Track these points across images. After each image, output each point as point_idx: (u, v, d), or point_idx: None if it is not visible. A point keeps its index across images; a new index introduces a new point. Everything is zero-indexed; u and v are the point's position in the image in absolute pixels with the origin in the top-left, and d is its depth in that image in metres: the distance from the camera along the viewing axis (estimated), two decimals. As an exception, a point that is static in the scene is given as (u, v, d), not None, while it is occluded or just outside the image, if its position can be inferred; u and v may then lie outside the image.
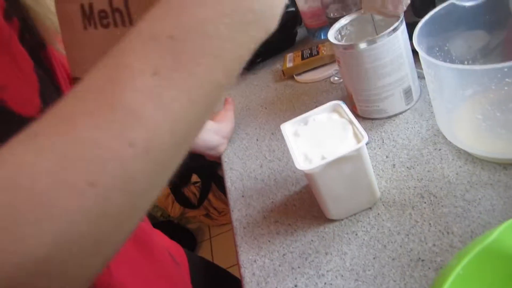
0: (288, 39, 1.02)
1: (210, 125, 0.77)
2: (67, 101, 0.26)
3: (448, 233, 0.48)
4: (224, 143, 0.79)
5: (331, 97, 0.80)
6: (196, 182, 2.05)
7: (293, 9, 1.00)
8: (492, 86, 0.52)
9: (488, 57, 0.60)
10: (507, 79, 0.47)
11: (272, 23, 0.30)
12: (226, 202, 2.06)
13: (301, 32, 1.05)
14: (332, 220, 0.56)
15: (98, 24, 0.34)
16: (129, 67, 0.26)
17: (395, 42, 0.63)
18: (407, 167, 0.58)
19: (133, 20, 0.32)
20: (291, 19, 1.00)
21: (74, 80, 0.35)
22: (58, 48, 0.50)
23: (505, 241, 0.33)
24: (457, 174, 0.54)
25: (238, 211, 0.64)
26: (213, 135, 0.77)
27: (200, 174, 2.03)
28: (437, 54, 0.58)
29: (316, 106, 0.58)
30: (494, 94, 0.53)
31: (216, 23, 0.27)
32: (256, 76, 0.99)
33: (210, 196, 2.05)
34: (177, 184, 2.04)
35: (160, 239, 0.67)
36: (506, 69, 0.45)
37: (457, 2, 0.57)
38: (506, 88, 0.49)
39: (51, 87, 0.46)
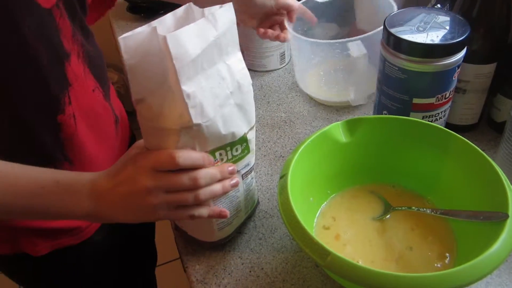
0: None
1: None
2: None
3: (299, 142, 0.78)
4: None
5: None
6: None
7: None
8: (329, 55, 0.84)
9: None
10: (337, 50, 0.78)
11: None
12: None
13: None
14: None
15: None
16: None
17: (279, 20, 0.91)
18: (277, 104, 0.88)
19: None
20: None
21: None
22: None
23: (329, 133, 0.62)
24: (307, 111, 0.85)
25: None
26: None
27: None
28: (301, 34, 0.88)
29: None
30: (331, 61, 0.86)
31: None
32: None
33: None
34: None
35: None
36: (337, 44, 0.76)
37: (314, -1, 0.87)
38: (336, 56, 0.80)
39: None
